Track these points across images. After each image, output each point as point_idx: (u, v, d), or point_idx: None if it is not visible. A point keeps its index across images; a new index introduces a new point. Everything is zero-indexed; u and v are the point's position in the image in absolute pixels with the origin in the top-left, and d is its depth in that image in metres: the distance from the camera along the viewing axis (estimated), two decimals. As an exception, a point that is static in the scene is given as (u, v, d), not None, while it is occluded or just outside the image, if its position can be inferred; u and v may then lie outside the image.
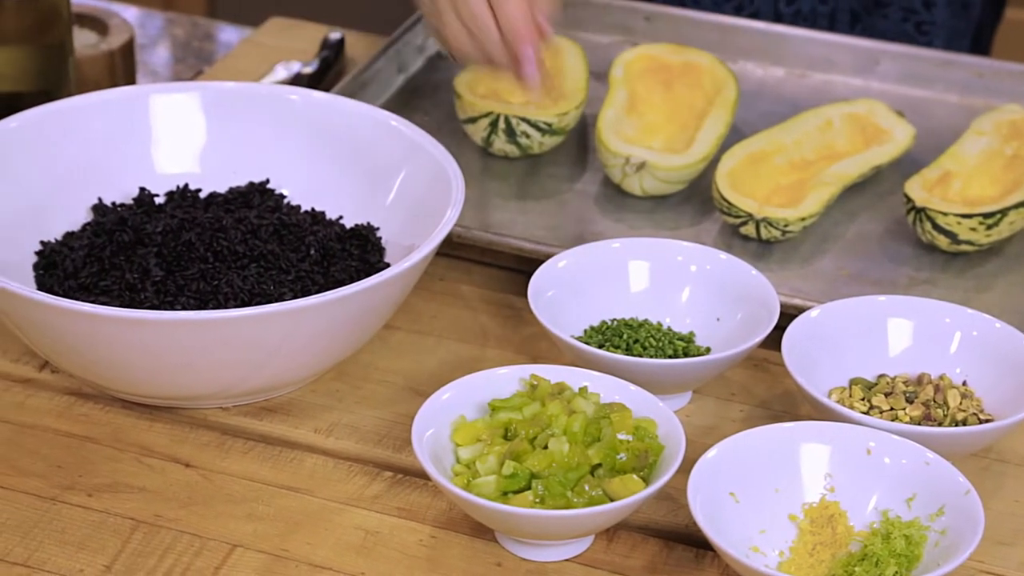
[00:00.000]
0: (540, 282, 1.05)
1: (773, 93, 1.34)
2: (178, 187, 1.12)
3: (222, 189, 1.13)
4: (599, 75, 1.32)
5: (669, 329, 1.06)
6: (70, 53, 1.24)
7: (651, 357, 1.02)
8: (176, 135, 1.14)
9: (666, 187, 1.21)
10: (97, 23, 1.34)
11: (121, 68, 1.32)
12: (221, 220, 1.06)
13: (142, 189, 1.12)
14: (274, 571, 0.91)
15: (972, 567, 0.93)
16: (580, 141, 1.29)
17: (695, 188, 1.22)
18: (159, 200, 1.12)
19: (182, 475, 0.98)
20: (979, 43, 1.49)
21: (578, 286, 1.06)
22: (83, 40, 1.33)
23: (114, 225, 1.06)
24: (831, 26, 1.41)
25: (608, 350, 1.03)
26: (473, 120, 1.24)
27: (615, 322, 1.06)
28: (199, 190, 1.12)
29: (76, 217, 1.10)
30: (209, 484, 0.97)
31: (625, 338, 1.03)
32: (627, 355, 1.02)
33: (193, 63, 1.45)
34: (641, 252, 1.08)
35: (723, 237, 1.16)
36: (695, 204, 1.21)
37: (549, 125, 1.23)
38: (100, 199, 1.11)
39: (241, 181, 1.14)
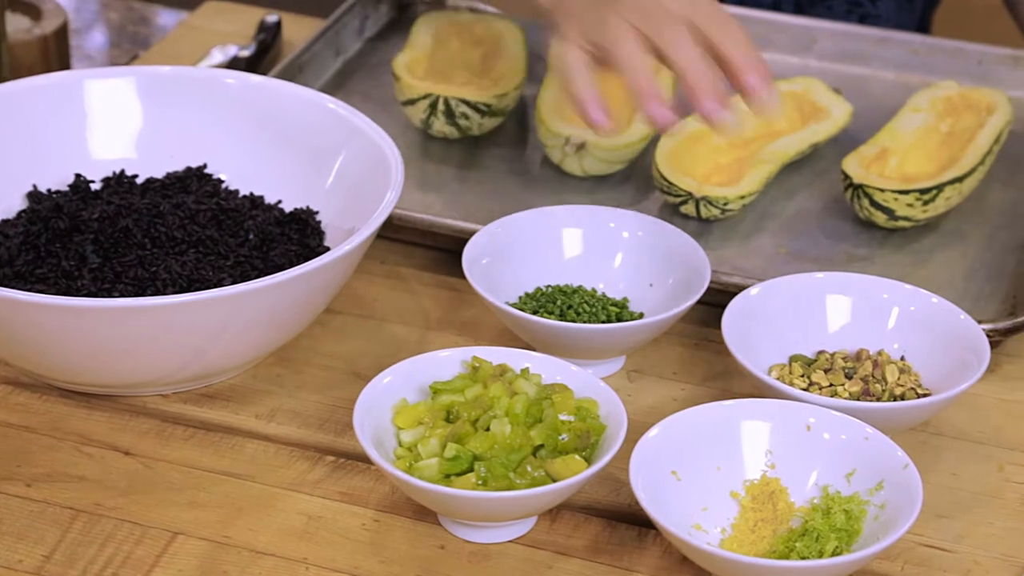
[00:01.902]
0: (475, 250, 1.05)
1: (712, 72, 1.34)
2: (114, 173, 1.11)
3: (159, 174, 1.12)
4: (538, 55, 1.32)
5: (603, 295, 1.06)
6: (2, 38, 1.22)
7: (585, 322, 1.03)
8: (112, 120, 1.13)
9: (606, 167, 1.21)
10: (30, 7, 1.33)
11: (55, 53, 1.30)
12: (158, 206, 1.05)
13: (78, 175, 1.11)
14: (216, 558, 0.91)
15: (911, 540, 0.94)
16: (520, 122, 1.28)
17: (635, 168, 1.23)
18: (95, 186, 1.11)
19: (122, 463, 0.97)
20: (922, 31, 1.49)
21: (512, 254, 1.07)
22: (16, 25, 1.31)
23: (49, 212, 1.05)
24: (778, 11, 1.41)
25: (542, 316, 1.03)
26: (412, 102, 1.23)
27: (549, 288, 1.06)
28: (136, 176, 1.11)
29: (10, 204, 1.09)
30: (149, 472, 0.96)
31: (559, 304, 1.04)
32: (561, 321, 1.02)
33: (128, 47, 1.43)
34: (574, 219, 1.09)
35: (663, 216, 1.16)
36: (635, 184, 1.22)
37: (488, 106, 1.23)
38: (35, 186, 1.10)
39: (178, 166, 1.13)
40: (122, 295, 0.99)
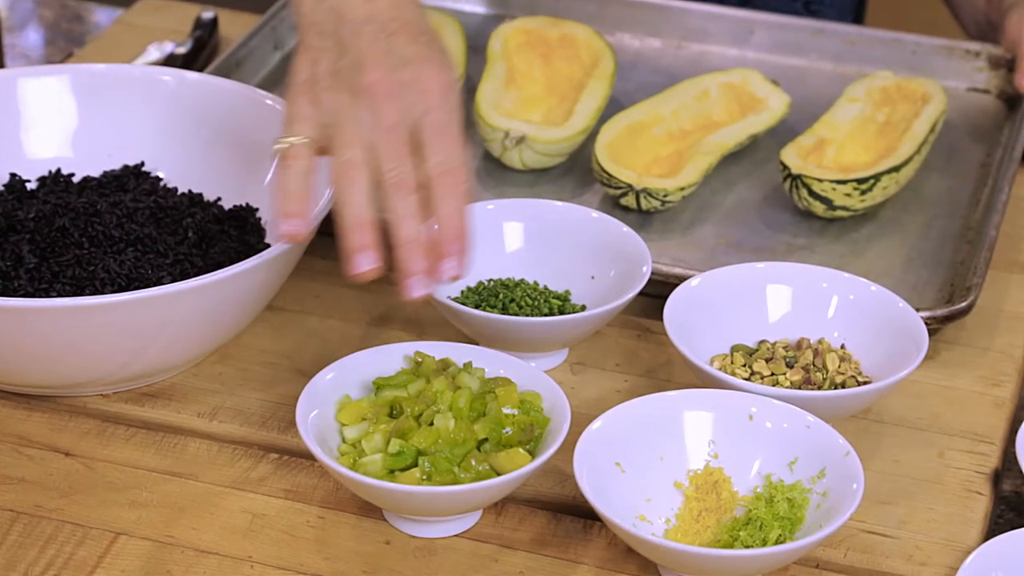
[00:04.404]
0: None
1: (650, 64, 1.35)
2: (50, 172, 1.10)
3: (96, 173, 1.11)
4: (477, 49, 1.32)
5: (545, 288, 1.07)
6: (-66, 37, 1.21)
7: (527, 316, 1.03)
8: (47, 119, 1.12)
9: (546, 160, 1.21)
10: (-38, 6, 1.31)
11: (-12, 51, 1.29)
12: (96, 204, 1.04)
13: (12, 175, 1.09)
14: (159, 558, 0.90)
15: (853, 527, 0.94)
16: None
17: (575, 160, 1.23)
18: (31, 185, 1.09)
19: (62, 464, 0.96)
20: (859, 18, 1.51)
21: None
22: (-52, 23, 1.30)
23: (-15, 212, 1.04)
24: (721, 4, 1.42)
25: (484, 310, 1.03)
26: (351, 97, 1.23)
27: (491, 282, 1.06)
28: (72, 174, 1.10)
29: (-55, 205, 1.08)
30: (90, 472, 0.96)
31: (501, 298, 1.04)
32: (503, 314, 1.02)
33: (64, 45, 1.42)
34: (515, 213, 1.09)
35: (604, 208, 1.17)
36: (575, 176, 1.22)
37: (428, 101, 1.23)
38: (-31, 186, 1.09)
39: (115, 164, 1.12)
40: (60, 295, 0.98)
